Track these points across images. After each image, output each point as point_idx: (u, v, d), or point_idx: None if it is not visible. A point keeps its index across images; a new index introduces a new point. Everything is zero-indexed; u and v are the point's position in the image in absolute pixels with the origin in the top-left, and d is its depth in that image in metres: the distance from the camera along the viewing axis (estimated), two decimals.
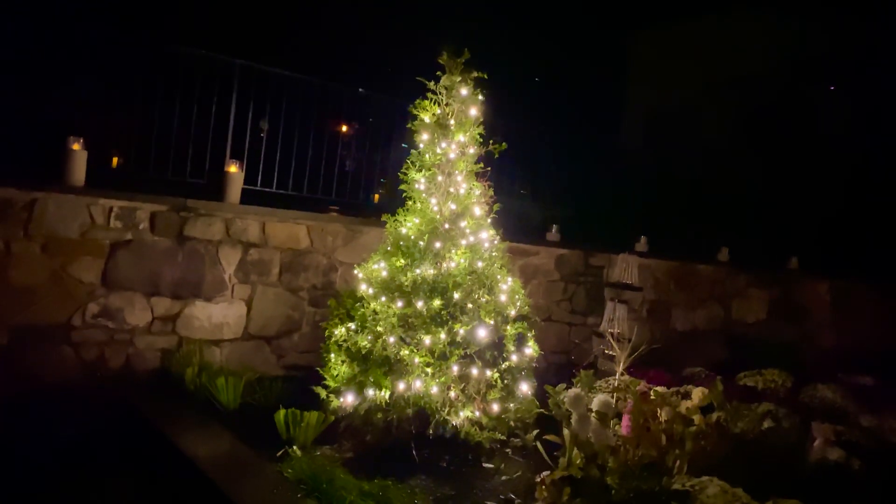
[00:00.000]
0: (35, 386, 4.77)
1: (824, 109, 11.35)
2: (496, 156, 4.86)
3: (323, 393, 4.55)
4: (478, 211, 4.81)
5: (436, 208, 4.74)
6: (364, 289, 4.76)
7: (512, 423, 4.57)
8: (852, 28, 11.04)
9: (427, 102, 4.76)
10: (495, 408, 4.47)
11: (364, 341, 4.48)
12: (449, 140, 4.73)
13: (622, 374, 5.10)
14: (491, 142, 4.83)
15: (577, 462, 3.71)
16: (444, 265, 4.62)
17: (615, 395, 4.66)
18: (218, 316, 5.59)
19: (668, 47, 12.95)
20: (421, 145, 4.81)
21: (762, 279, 9.04)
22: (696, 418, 4.18)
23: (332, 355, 4.68)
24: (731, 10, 11.84)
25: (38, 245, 4.85)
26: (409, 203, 4.85)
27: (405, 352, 4.36)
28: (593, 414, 4.01)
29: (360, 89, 7.21)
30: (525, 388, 4.66)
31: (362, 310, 4.64)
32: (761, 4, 11.65)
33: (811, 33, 11.23)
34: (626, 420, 4.15)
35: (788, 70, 11.15)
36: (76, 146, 5.13)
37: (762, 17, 11.63)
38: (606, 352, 6.00)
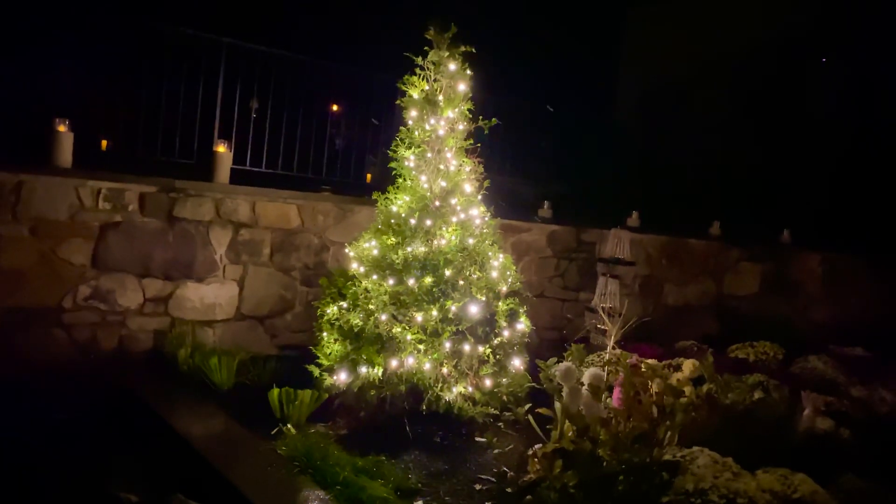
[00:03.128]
0: (28, 369, 4.76)
1: (817, 82, 11.31)
2: (486, 132, 4.83)
3: (316, 371, 4.56)
4: (468, 188, 4.80)
5: (426, 185, 4.72)
6: (355, 267, 4.76)
7: (504, 398, 4.59)
8: (846, 2, 10.96)
9: (415, 78, 4.72)
10: (488, 383, 4.50)
11: (356, 319, 4.49)
12: (438, 116, 4.70)
13: (614, 348, 5.13)
14: (481, 118, 4.81)
15: (569, 435, 3.73)
16: (435, 242, 4.62)
17: (606, 368, 4.69)
18: (210, 296, 5.59)
19: (661, 23, 12.86)
20: (410, 122, 4.79)
21: (754, 253, 9.06)
22: (687, 390, 4.21)
23: (325, 334, 4.69)
24: None
25: (26, 228, 4.82)
26: (400, 181, 4.83)
27: (397, 329, 4.37)
28: (584, 387, 4.03)
29: (349, 66, 7.16)
30: (517, 363, 4.68)
31: (354, 288, 4.64)
32: None
33: (803, 7, 11.15)
34: (617, 393, 4.18)
35: (782, 44, 11.09)
36: (62, 128, 5.09)
37: None
38: (598, 326, 6.03)
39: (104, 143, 6.38)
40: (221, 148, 5.85)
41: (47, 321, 4.95)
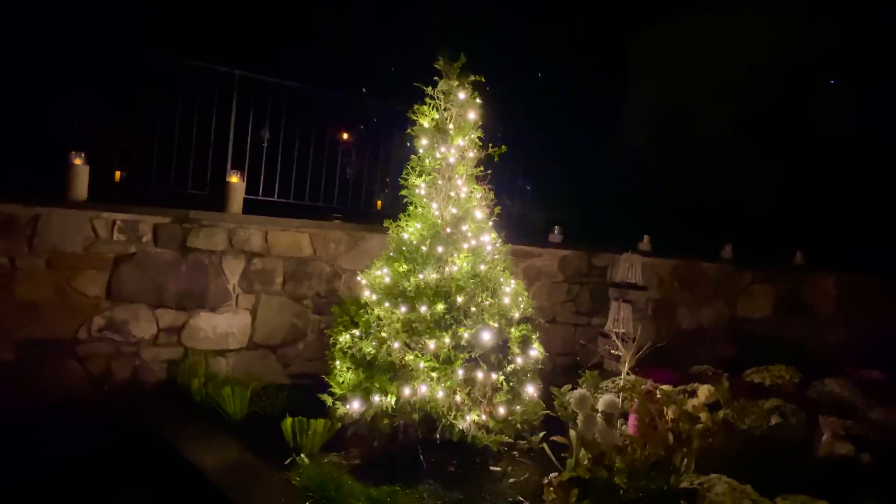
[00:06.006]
0: (43, 400, 4.78)
1: (828, 104, 11.32)
2: (496, 159, 4.86)
3: (329, 400, 4.55)
4: (479, 214, 4.81)
5: (437, 213, 4.74)
6: (367, 295, 4.76)
7: (518, 426, 4.55)
8: (855, 23, 11.00)
9: (426, 108, 4.76)
10: (501, 411, 4.46)
11: (369, 347, 4.48)
12: (448, 144, 4.74)
13: (628, 374, 5.09)
14: (490, 145, 4.83)
15: (585, 463, 3.70)
16: (447, 269, 4.62)
17: (621, 394, 4.64)
18: (223, 326, 5.61)
19: (668, 46, 12.95)
20: (421, 150, 4.82)
21: (767, 275, 9.01)
22: (703, 416, 4.17)
23: (338, 362, 4.68)
24: (732, 6, 11.84)
25: (42, 260, 4.87)
26: (411, 208, 4.85)
27: (410, 357, 4.36)
28: (599, 414, 4.00)
29: (359, 97, 7.24)
30: (531, 390, 4.65)
31: (366, 316, 4.64)
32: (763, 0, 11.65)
33: (812, 29, 11.20)
34: (632, 419, 4.15)
35: (791, 66, 11.13)
36: (78, 161, 5.16)
37: (763, 13, 11.63)
38: (612, 352, 6.00)
39: (118, 174, 6.45)
40: (234, 178, 5.90)
41: (62, 352, 4.98)
